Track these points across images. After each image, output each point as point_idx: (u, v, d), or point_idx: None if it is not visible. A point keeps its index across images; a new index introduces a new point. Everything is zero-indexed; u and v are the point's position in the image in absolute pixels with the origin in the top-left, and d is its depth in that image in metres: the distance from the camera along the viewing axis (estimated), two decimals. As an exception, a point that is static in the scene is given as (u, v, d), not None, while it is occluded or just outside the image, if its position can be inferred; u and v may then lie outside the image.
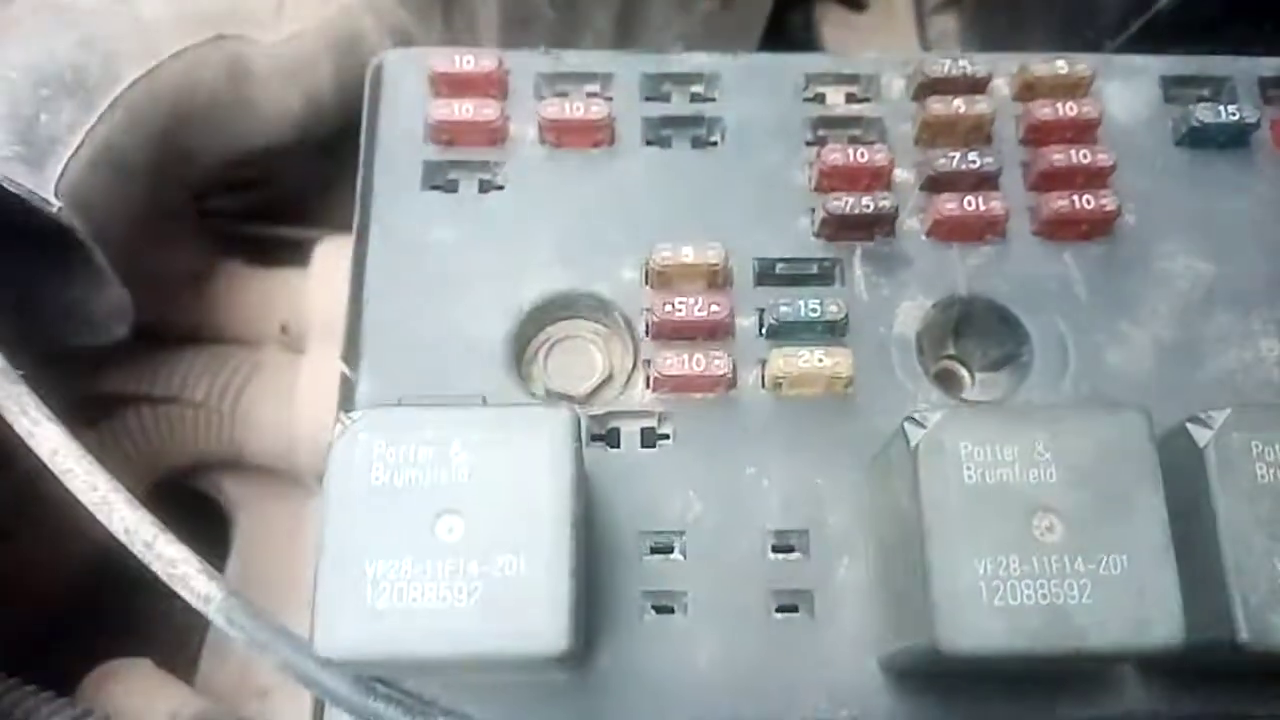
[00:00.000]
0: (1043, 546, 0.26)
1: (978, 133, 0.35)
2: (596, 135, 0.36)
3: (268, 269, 0.54)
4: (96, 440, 0.51)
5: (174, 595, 0.58)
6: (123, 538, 0.31)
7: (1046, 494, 0.27)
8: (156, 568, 0.31)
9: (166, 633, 0.50)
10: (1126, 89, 0.37)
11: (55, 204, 0.37)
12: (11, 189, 0.36)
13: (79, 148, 0.39)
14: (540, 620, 0.26)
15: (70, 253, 0.44)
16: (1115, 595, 0.26)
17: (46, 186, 0.37)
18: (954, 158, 0.34)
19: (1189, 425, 0.28)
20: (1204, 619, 0.26)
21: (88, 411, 0.53)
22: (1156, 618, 0.26)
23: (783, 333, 0.33)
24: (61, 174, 0.38)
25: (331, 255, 0.52)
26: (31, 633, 0.49)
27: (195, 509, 0.56)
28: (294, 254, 0.55)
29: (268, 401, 0.50)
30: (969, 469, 0.27)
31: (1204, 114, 0.35)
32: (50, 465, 0.33)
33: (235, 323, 0.53)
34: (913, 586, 0.27)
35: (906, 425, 0.28)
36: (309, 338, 0.51)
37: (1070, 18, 0.48)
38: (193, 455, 0.52)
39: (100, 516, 0.32)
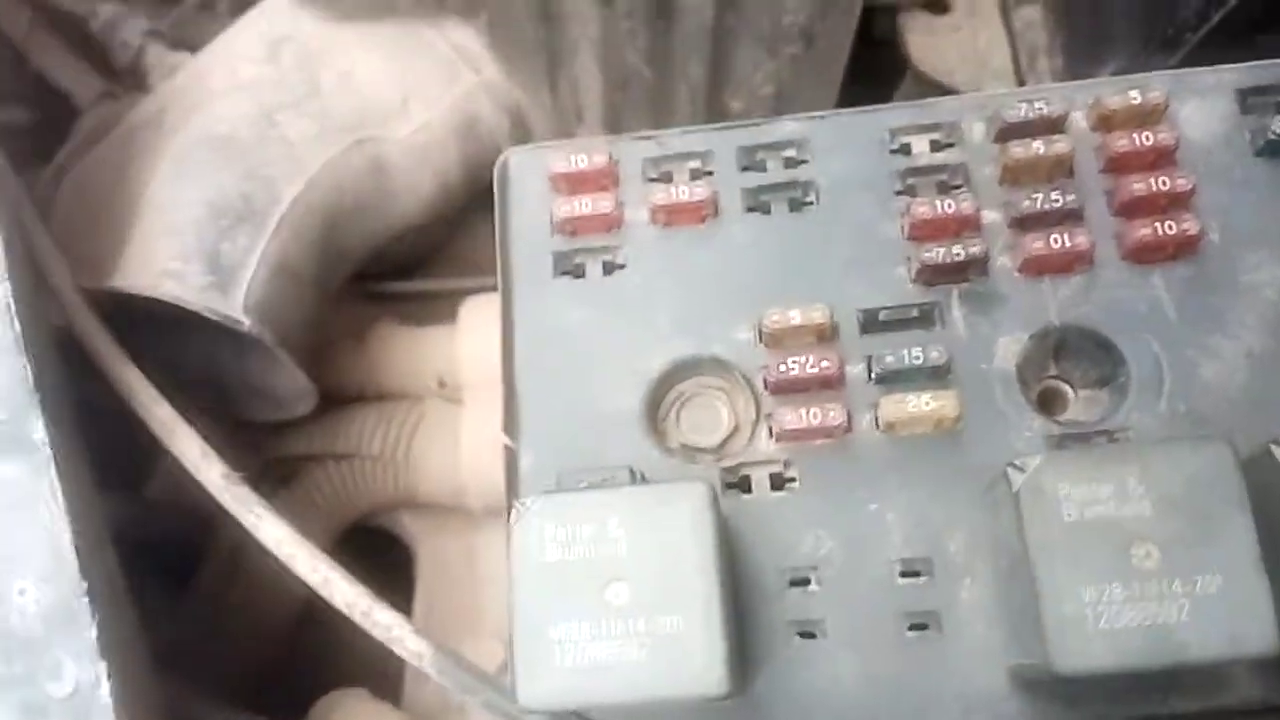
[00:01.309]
0: (1142, 573, 0.29)
1: (1059, 169, 0.38)
2: (702, 211, 0.40)
3: (419, 328, 0.60)
4: (290, 498, 0.58)
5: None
6: (344, 610, 0.38)
7: (1142, 525, 0.30)
8: (375, 633, 0.37)
9: (367, 662, 0.55)
10: (1202, 108, 0.38)
11: (245, 322, 0.44)
12: (213, 317, 0.43)
13: (256, 268, 0.45)
14: (702, 667, 0.30)
15: (259, 349, 0.51)
16: (1211, 611, 0.29)
17: (236, 308, 0.44)
18: (1037, 198, 0.37)
19: (1273, 447, 0.30)
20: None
21: (279, 471, 0.60)
22: (1251, 629, 0.29)
23: (890, 379, 0.37)
24: (246, 293, 0.44)
25: (476, 312, 0.57)
26: (253, 671, 0.57)
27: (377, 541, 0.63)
28: (441, 306, 0.61)
29: (435, 449, 0.56)
30: (1068, 508, 0.30)
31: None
32: (275, 553, 0.39)
33: (395, 379, 0.60)
34: (1028, 610, 0.30)
35: (1009, 470, 0.31)
36: (464, 388, 0.57)
37: (1150, 9, 0.49)
38: (373, 502, 0.59)
39: (323, 594, 0.38)
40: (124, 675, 0.34)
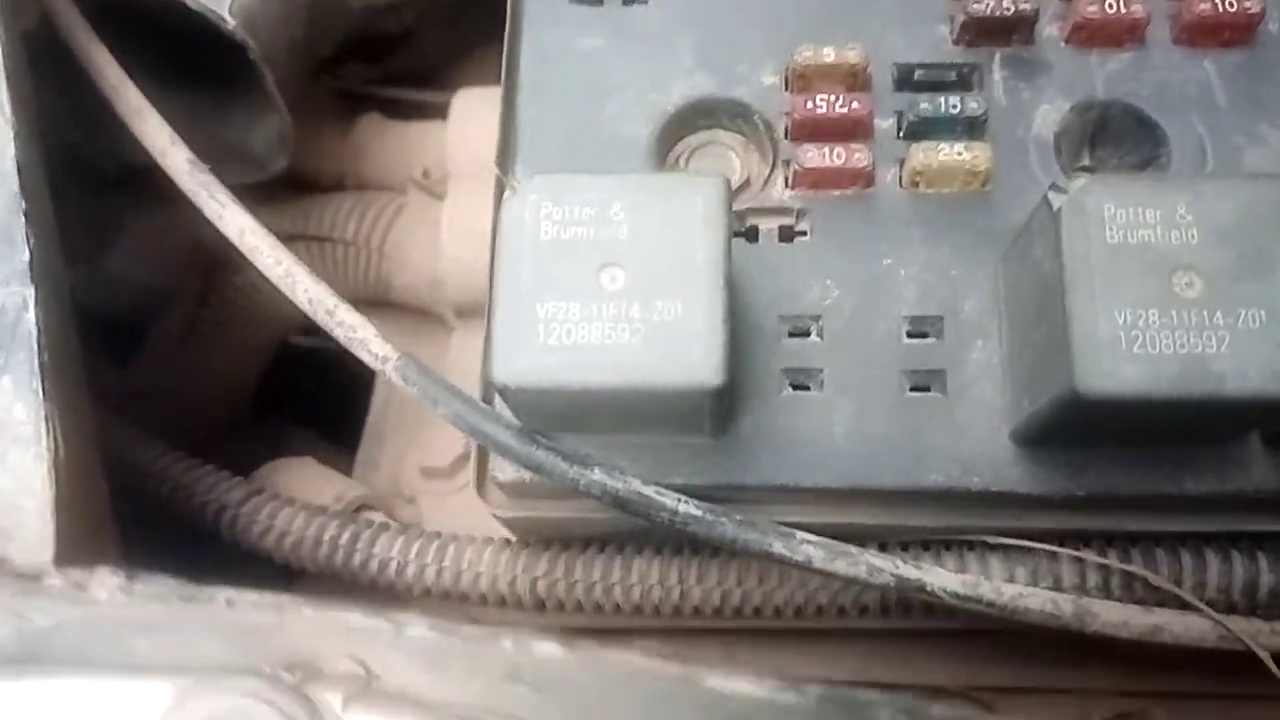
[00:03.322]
0: (1182, 301, 0.27)
1: (1122, -60, 0.36)
2: (739, -55, 0.37)
3: (407, 121, 0.57)
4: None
5: (318, 431, 0.61)
6: (306, 308, 0.35)
7: (1187, 253, 0.27)
8: (338, 334, 0.34)
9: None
10: (1280, -108, 0.36)
11: (230, 21, 0.40)
12: (194, 6, 0.39)
13: (250, -29, 0.41)
14: (697, 355, 0.28)
15: (234, 89, 0.48)
16: (1254, 346, 0.27)
17: (222, 5, 0.40)
18: (1097, -39, 0.35)
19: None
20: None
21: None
22: (1294, 369, 0.27)
23: (922, 131, 0.35)
24: (234, -2, 0.41)
25: (469, 105, 0.54)
26: (206, 436, 0.53)
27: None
28: (428, 115, 0.58)
29: (413, 239, 0.53)
30: (1111, 230, 0.28)
31: (1355, -82, 0.35)
32: (238, 244, 0.36)
33: (378, 170, 0.56)
34: (1052, 343, 0.28)
35: (1049, 193, 0.29)
36: (449, 181, 0.54)
37: None
38: (343, 292, 0.55)
39: (284, 289, 0.35)
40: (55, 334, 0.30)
